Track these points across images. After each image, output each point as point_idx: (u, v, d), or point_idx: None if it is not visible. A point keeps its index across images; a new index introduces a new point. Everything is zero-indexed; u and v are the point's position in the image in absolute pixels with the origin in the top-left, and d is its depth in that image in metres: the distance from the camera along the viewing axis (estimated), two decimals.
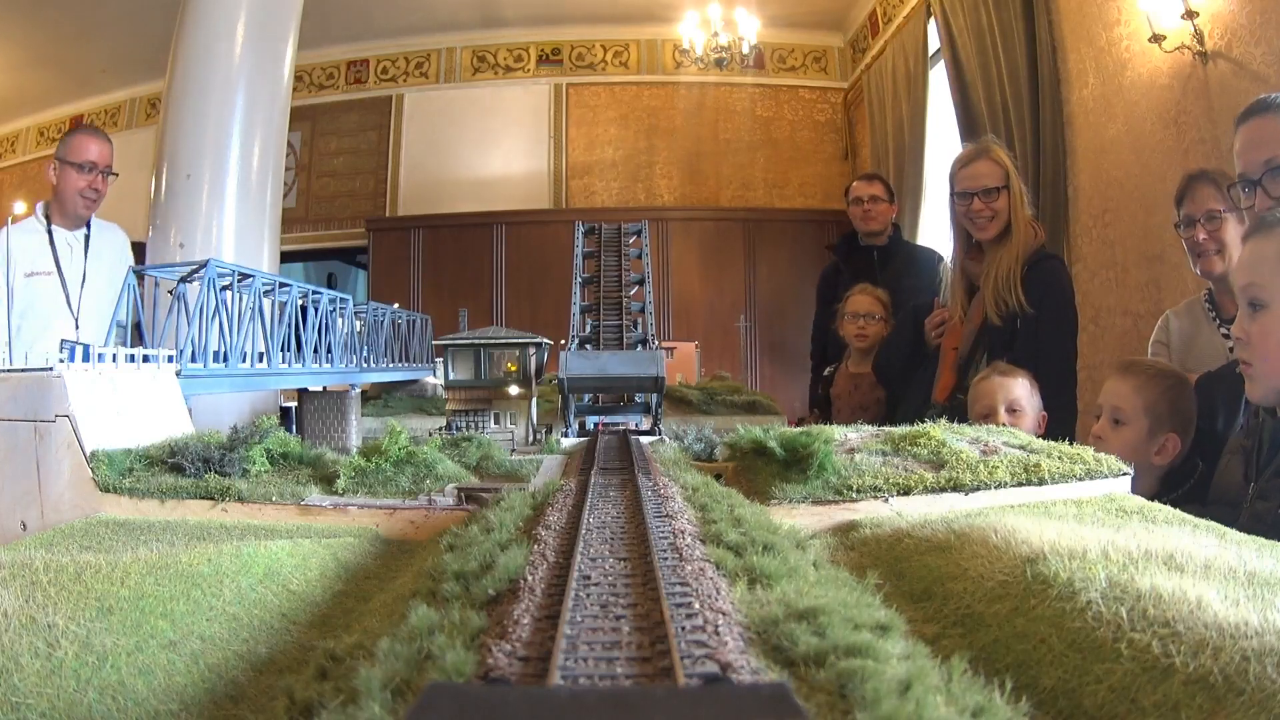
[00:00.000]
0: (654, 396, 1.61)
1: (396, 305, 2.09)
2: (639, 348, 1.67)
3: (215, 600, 0.61)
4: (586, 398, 1.73)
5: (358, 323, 1.89)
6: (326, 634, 0.59)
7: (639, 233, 1.89)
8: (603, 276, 1.81)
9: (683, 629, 0.40)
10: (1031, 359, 2.28)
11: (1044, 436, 1.30)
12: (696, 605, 0.44)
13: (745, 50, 6.82)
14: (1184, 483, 1.91)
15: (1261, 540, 0.87)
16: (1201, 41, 3.56)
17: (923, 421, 1.22)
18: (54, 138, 9.56)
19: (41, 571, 0.64)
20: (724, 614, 0.43)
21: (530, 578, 0.50)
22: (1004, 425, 2.08)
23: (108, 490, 1.09)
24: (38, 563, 0.68)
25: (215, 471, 1.09)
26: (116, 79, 8.77)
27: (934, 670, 0.39)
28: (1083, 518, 0.88)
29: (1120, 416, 2.00)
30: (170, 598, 0.59)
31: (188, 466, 1.09)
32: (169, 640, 0.55)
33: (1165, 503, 1.60)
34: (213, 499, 1.04)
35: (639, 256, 1.85)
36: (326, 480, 1.09)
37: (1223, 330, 2.22)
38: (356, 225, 8.14)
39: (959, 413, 2.06)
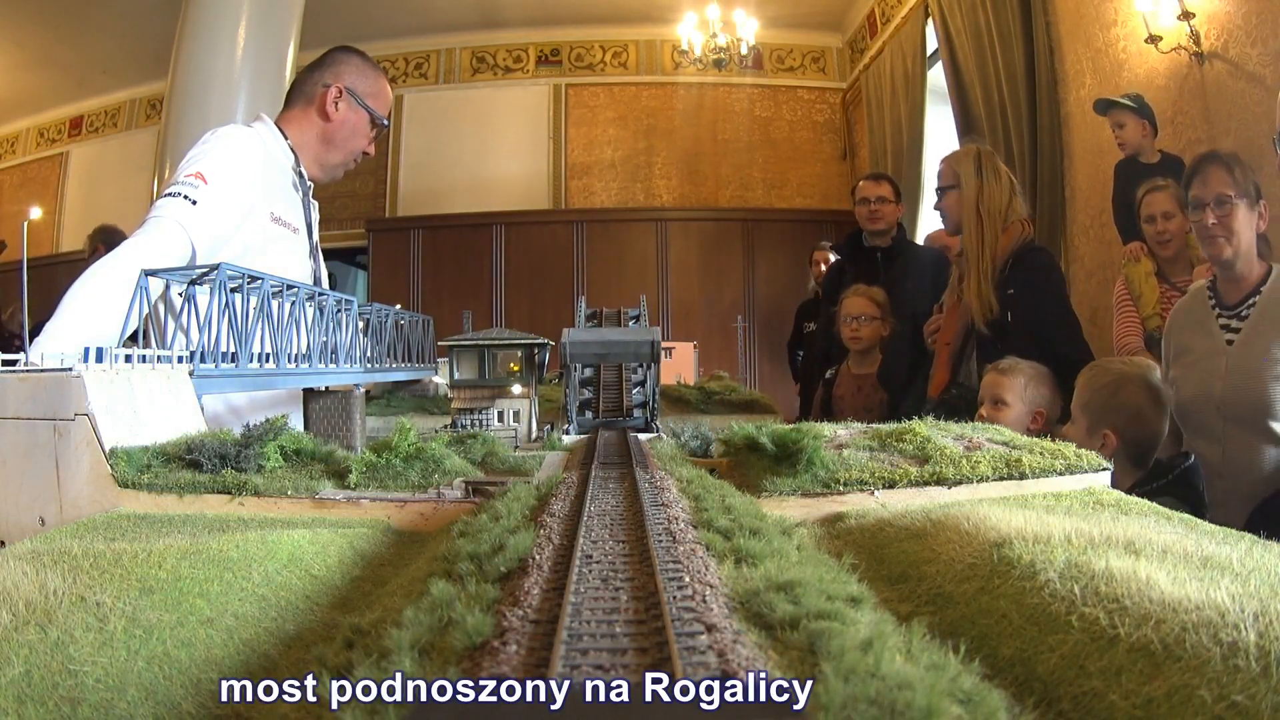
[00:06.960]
0: (650, 403, 1.67)
1: (399, 306, 2.13)
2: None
3: (245, 582, 0.67)
4: (589, 413, 1.80)
5: (362, 324, 1.93)
6: (348, 613, 0.65)
7: (637, 317, 2.04)
8: None
9: (674, 597, 0.46)
10: (1026, 348, 2.36)
11: (1043, 431, 1.35)
12: (687, 579, 0.49)
13: (744, 51, 6.86)
14: (1167, 474, 2.01)
15: (1230, 531, 0.92)
16: (1198, 42, 3.58)
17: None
18: (54, 138, 9.57)
19: (80, 557, 0.69)
20: (711, 586, 0.49)
21: (538, 556, 0.55)
22: (984, 418, 2.18)
23: (126, 486, 1.13)
24: (74, 550, 0.73)
25: (231, 467, 1.13)
26: (116, 79, 8.78)
27: (896, 633, 0.44)
28: (1055, 509, 0.93)
29: (1075, 414, 2.14)
30: (205, 579, 0.64)
31: (205, 463, 1.14)
32: (206, 617, 0.60)
33: (1141, 491, 1.68)
34: (230, 493, 1.09)
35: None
36: (338, 475, 1.14)
37: (1220, 320, 2.24)
38: (356, 226, 8.16)
39: (952, 408, 2.12)
